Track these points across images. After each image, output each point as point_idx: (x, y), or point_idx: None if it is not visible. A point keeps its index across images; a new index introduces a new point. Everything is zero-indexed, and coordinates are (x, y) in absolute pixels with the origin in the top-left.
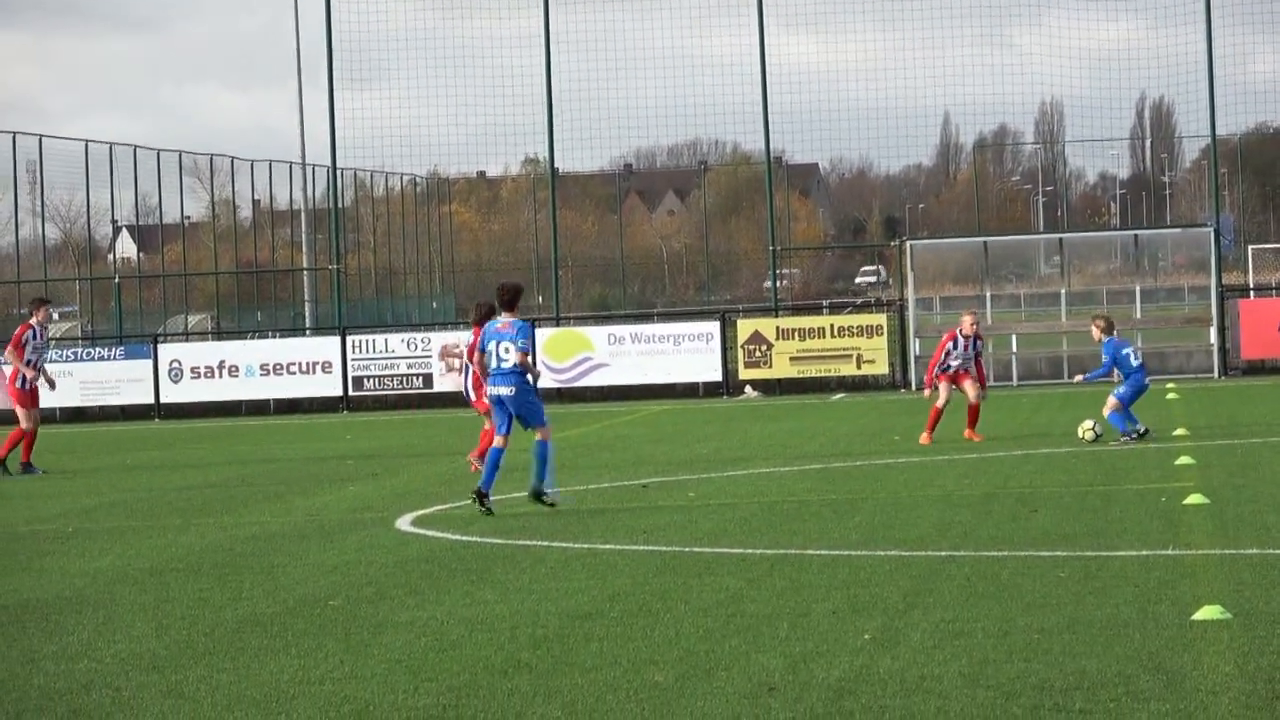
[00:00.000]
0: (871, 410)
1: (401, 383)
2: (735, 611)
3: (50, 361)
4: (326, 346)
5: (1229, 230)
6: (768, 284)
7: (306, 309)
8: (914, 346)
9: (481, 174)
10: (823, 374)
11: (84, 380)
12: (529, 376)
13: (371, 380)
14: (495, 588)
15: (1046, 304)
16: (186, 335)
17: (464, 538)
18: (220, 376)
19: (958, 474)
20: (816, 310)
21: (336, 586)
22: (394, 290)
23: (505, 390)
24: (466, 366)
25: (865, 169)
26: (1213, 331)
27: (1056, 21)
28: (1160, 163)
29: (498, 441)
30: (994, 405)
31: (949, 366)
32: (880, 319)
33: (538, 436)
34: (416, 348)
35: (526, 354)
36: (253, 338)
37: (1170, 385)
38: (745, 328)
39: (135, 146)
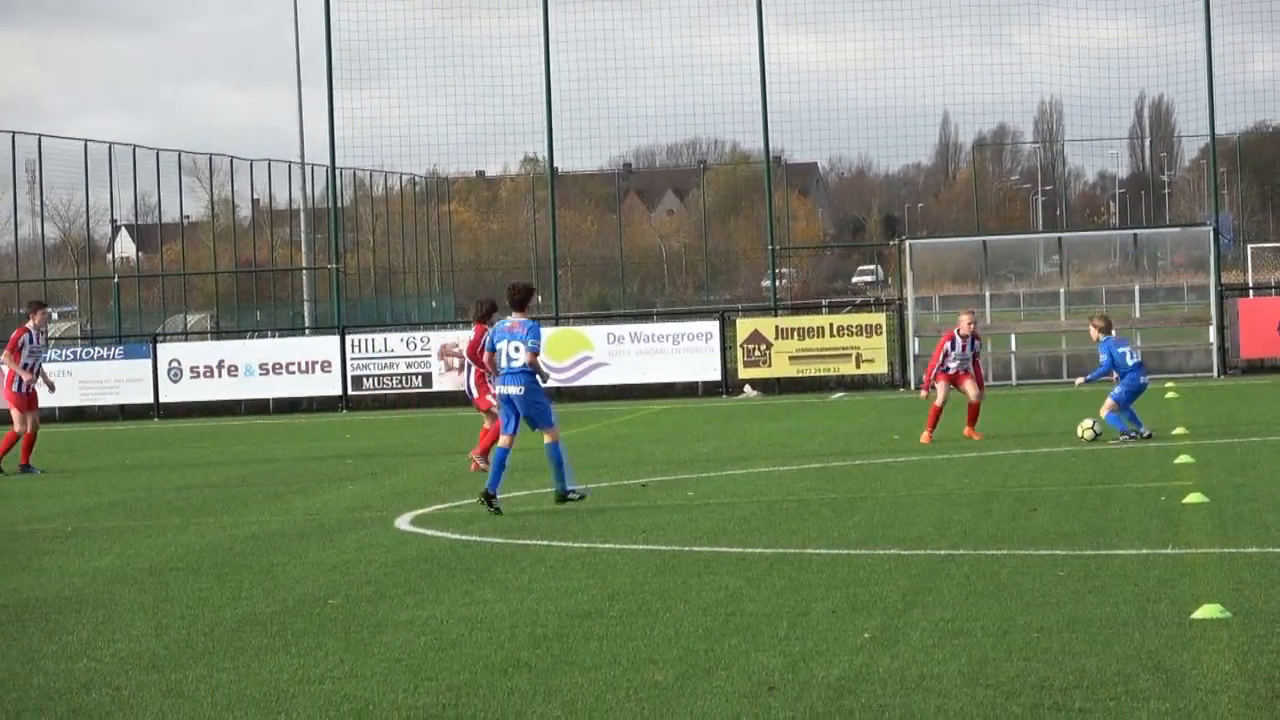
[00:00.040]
0: (870, 409)
1: (401, 382)
2: (735, 610)
3: (49, 361)
4: (326, 346)
5: (1228, 229)
6: (765, 283)
7: (306, 308)
8: (913, 346)
9: (481, 173)
10: (822, 373)
11: (83, 380)
12: (538, 377)
13: (371, 380)
14: (495, 587)
15: (1045, 303)
16: (186, 335)
17: (463, 537)
18: (219, 376)
19: (957, 473)
20: (816, 310)
21: (336, 586)
22: (393, 290)
23: (515, 389)
24: (468, 364)
25: (864, 168)
26: (1212, 331)
27: (1055, 20)
28: (1159, 162)
29: (503, 441)
30: (993, 404)
31: (947, 369)
32: (879, 318)
33: (546, 439)
34: (416, 347)
35: (536, 354)
36: (252, 337)
37: (1169, 384)
38: (744, 327)
39: (134, 146)
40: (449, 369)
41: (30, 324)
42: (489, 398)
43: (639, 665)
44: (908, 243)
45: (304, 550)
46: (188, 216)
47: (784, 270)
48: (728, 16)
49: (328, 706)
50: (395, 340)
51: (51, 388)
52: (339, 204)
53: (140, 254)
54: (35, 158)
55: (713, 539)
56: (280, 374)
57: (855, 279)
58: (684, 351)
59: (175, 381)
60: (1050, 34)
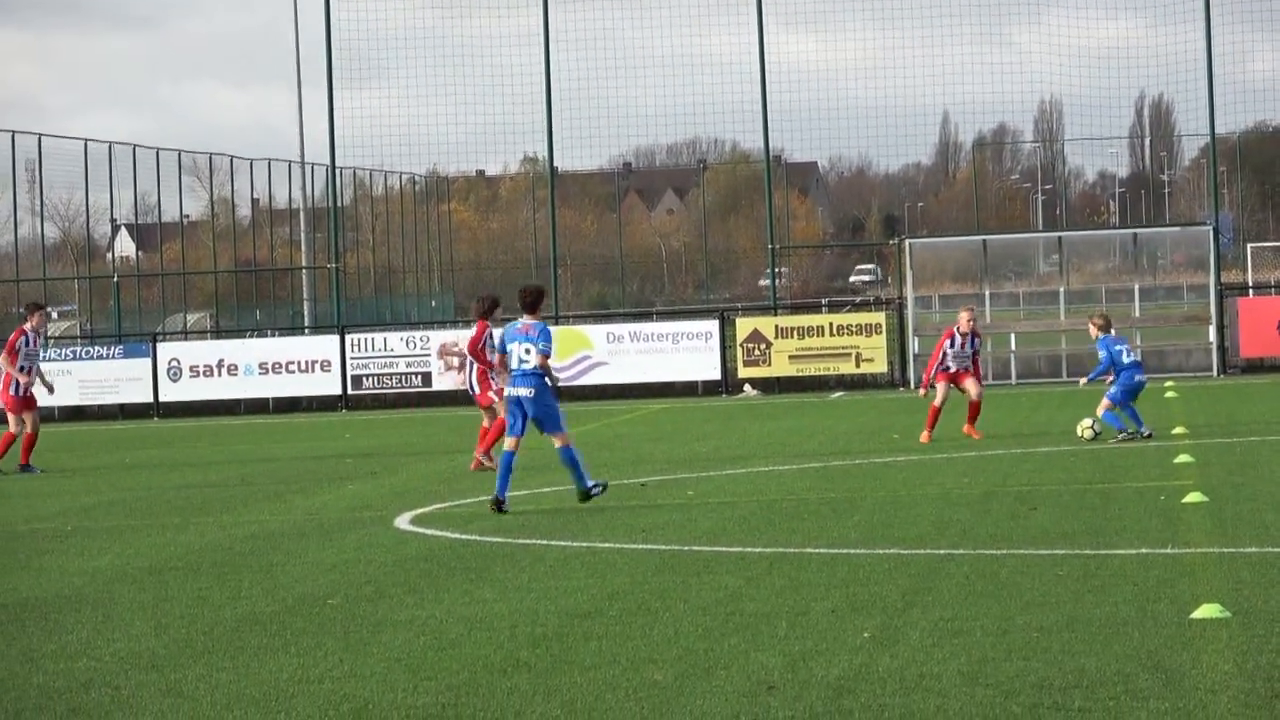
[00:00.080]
0: (870, 409)
1: (400, 381)
2: (734, 610)
3: (49, 360)
4: (325, 345)
5: (1228, 229)
6: (761, 282)
7: (305, 308)
8: (913, 345)
9: (480, 173)
10: (822, 372)
11: (83, 379)
12: (549, 379)
13: (370, 379)
14: (494, 586)
15: (1045, 302)
16: (185, 334)
17: (463, 536)
18: (219, 375)
19: (957, 472)
20: (815, 309)
21: (335, 585)
22: (393, 289)
23: (525, 392)
24: (470, 361)
25: (864, 167)
26: (1212, 330)
27: (1055, 20)
28: (1159, 161)
29: (509, 445)
30: (993, 404)
31: (947, 368)
32: (879, 317)
33: (558, 444)
34: (415, 346)
35: (548, 356)
36: (252, 336)
37: (1169, 384)
38: (744, 326)
39: (134, 145)
40: (448, 368)
41: (28, 325)
42: (490, 394)
43: (638, 665)
44: (907, 242)
45: (303, 550)
46: (187, 216)
47: (781, 269)
48: (728, 16)
49: (327, 706)
50: (395, 340)
51: (50, 389)
52: (339, 203)
53: (140, 253)
54: (35, 157)
55: (712, 538)
56: (280, 373)
57: (853, 278)
58: (684, 351)
59: (175, 381)
60: (1050, 33)
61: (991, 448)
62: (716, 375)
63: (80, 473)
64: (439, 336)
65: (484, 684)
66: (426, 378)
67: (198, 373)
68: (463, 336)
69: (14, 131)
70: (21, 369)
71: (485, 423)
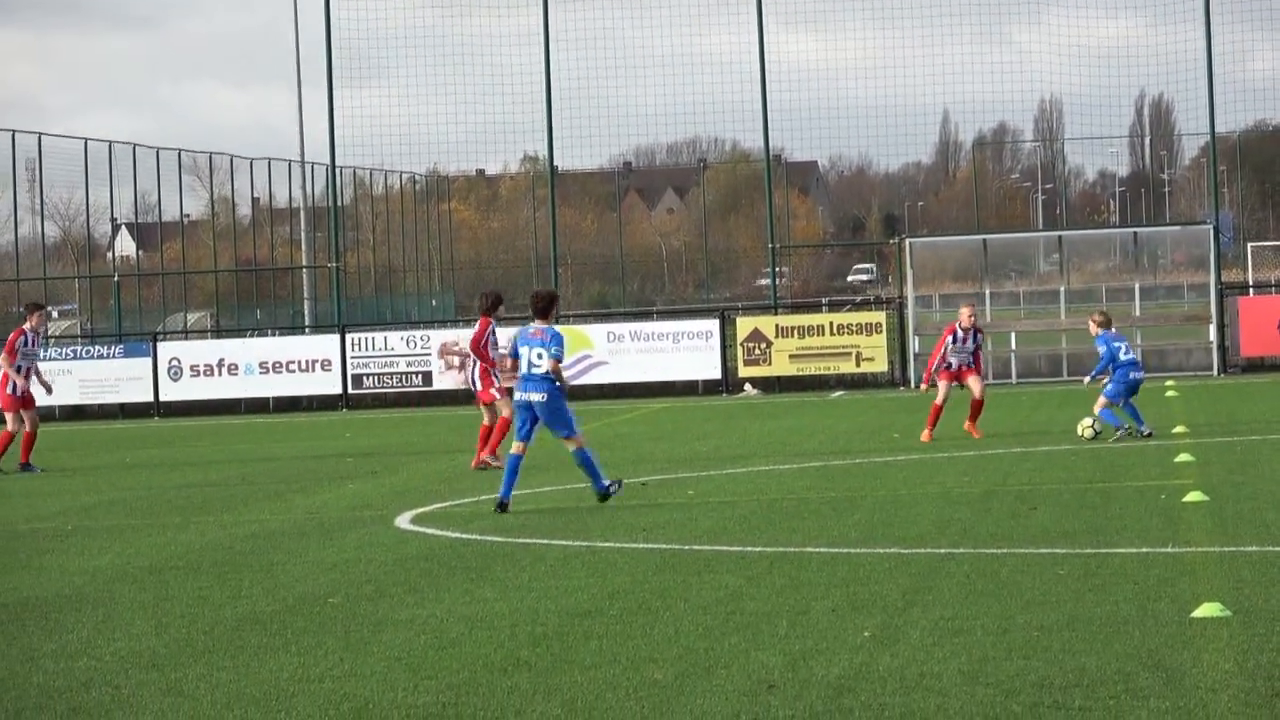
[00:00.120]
0: (871, 408)
1: (401, 381)
2: (735, 609)
3: (47, 360)
4: (326, 344)
5: (1228, 228)
6: (758, 281)
7: (306, 307)
8: (913, 344)
9: (481, 172)
10: (822, 372)
11: (83, 378)
12: (559, 384)
13: (371, 378)
14: (495, 585)
15: (1046, 302)
16: (186, 333)
17: (463, 535)
18: (220, 374)
19: (957, 471)
20: (816, 308)
21: (336, 584)
22: (393, 288)
23: (536, 396)
24: (474, 359)
25: (864, 167)
26: (1212, 329)
27: (1056, 19)
28: (1159, 160)
29: (516, 449)
30: (993, 403)
31: (949, 364)
32: (879, 317)
33: (571, 447)
34: (416, 346)
35: (559, 361)
36: (252, 336)
37: (1170, 383)
38: (745, 325)
39: (134, 144)
40: (449, 368)
41: (27, 325)
42: (492, 391)
43: (639, 664)
44: (908, 241)
45: (304, 549)
46: (188, 215)
47: (781, 269)
48: (728, 15)
49: (327, 705)
50: (395, 339)
51: (48, 390)
52: (339, 202)
53: (140, 252)
54: (35, 156)
55: (713, 537)
56: (280, 373)
57: (850, 277)
58: (684, 350)
59: (175, 380)
60: (1050, 32)
61: (992, 447)
62: (717, 374)
63: (81, 472)
64: (439, 336)
65: (484, 683)
66: (427, 377)
67: (198, 372)
68: (463, 336)
69: (14, 131)
70: (18, 369)
71: (486, 420)
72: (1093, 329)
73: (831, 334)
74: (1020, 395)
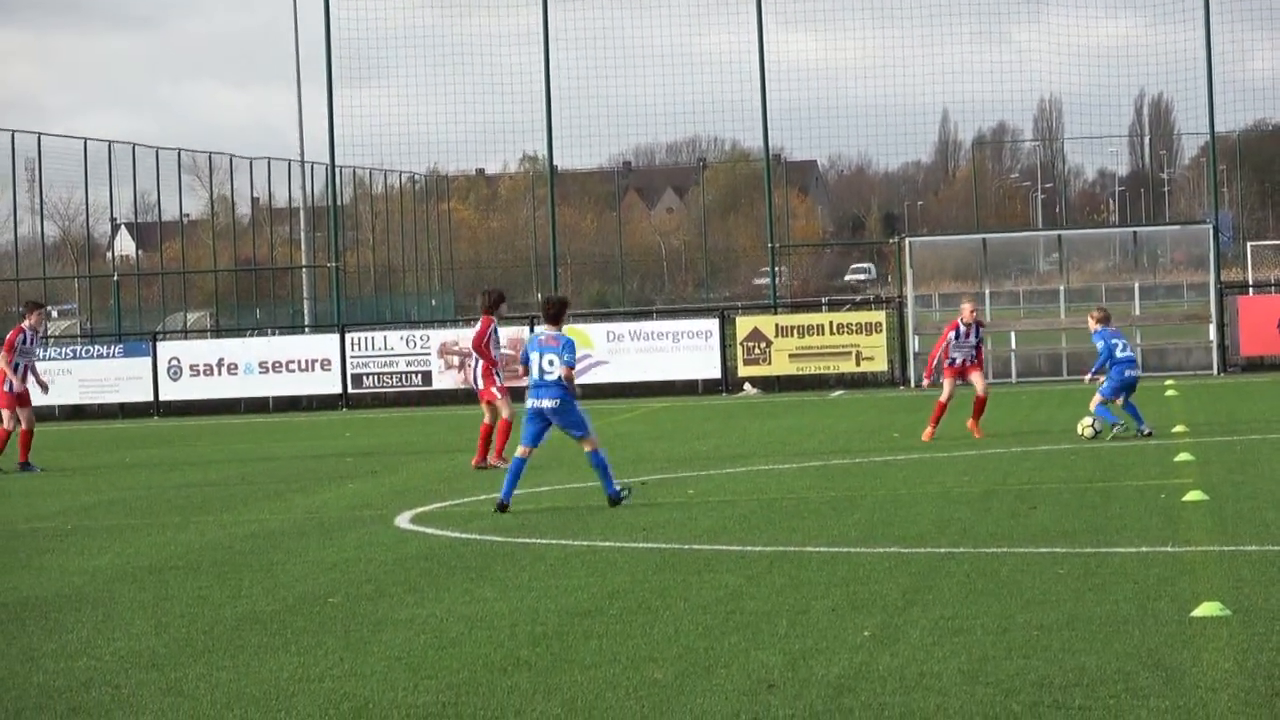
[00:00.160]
0: (870, 407)
1: (401, 380)
2: (734, 609)
3: (49, 360)
4: (326, 344)
5: (1228, 227)
6: (757, 280)
7: (305, 306)
8: (913, 343)
9: (480, 171)
10: (822, 371)
11: (83, 378)
12: (570, 390)
13: (371, 378)
14: (495, 585)
15: (1045, 301)
16: (185, 333)
17: (463, 535)
18: (219, 374)
19: (957, 471)
20: (815, 307)
21: (336, 584)
22: (393, 288)
23: (549, 403)
24: (476, 358)
25: (864, 166)
26: (1212, 328)
27: (1055, 18)
28: (1159, 159)
29: (520, 452)
30: (993, 402)
31: (952, 360)
32: (879, 316)
33: (586, 449)
34: (416, 345)
35: (572, 368)
36: (252, 335)
37: (1169, 382)
38: (744, 325)
39: (134, 144)
40: (448, 367)
41: (26, 324)
42: (494, 389)
43: (639, 663)
44: (907, 240)
45: (304, 548)
46: (187, 215)
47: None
48: (727, 14)
49: (327, 705)
50: (395, 338)
51: (45, 389)
52: (339, 202)
53: (140, 252)
54: (35, 156)
55: (712, 537)
56: (280, 372)
57: (848, 277)
58: (684, 349)
59: (175, 380)
60: (1050, 32)
61: (992, 446)
62: (717, 374)
63: (80, 472)
64: (439, 335)
65: (484, 682)
66: (427, 376)
67: (198, 372)
68: (463, 335)
69: (14, 131)
70: (16, 367)
71: (486, 418)
72: (1091, 325)
73: (831, 333)
74: (1020, 394)
